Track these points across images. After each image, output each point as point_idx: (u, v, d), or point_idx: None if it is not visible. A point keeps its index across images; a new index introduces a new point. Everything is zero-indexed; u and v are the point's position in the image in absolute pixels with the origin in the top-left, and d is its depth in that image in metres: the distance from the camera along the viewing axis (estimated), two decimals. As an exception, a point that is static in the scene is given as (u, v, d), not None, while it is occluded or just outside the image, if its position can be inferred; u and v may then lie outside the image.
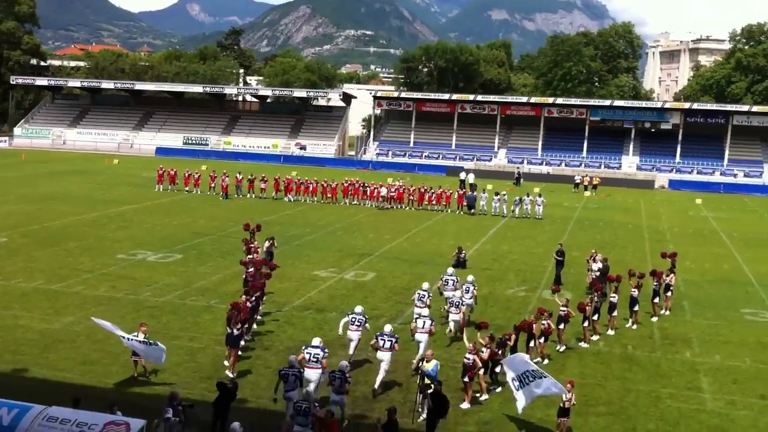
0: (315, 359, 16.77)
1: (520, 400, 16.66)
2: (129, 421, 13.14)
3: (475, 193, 51.01)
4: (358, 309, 19.69)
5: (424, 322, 19.67)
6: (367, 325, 19.51)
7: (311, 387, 16.47)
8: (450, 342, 21.68)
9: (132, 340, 17.69)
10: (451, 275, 24.15)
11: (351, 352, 19.35)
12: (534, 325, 20.08)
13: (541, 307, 21.58)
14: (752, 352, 22.55)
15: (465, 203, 48.92)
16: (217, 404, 15.10)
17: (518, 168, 75.04)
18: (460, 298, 22.44)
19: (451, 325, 21.99)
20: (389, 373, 18.35)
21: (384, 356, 18.08)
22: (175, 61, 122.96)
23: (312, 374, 16.63)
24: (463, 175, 65.64)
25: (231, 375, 18.25)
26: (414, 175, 71.49)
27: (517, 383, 16.87)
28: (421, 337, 19.52)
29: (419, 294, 22.02)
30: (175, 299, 25.06)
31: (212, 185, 51.52)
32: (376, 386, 17.90)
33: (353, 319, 19.38)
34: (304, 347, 17.30)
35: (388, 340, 18.13)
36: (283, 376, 15.90)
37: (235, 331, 18.57)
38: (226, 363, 18.78)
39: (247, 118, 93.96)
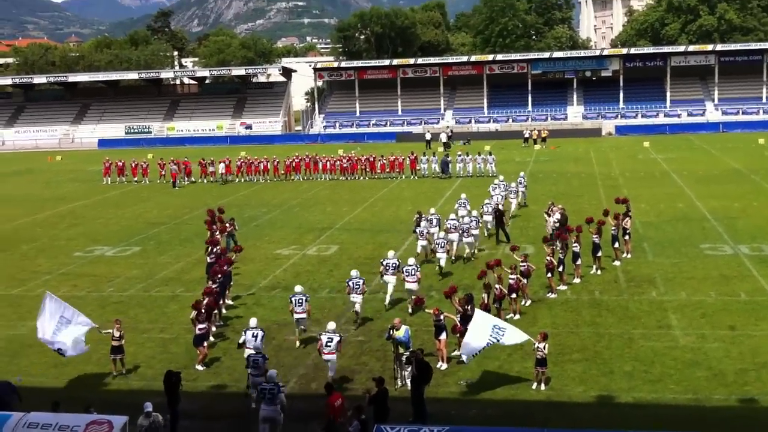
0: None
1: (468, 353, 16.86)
2: (111, 419, 13.01)
3: (448, 156, 50.63)
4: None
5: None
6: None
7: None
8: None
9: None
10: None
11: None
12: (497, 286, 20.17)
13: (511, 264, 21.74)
14: (716, 285, 23.06)
15: (439, 168, 48.60)
16: (166, 391, 14.93)
17: (448, 128, 73.78)
18: (507, 191, 33.56)
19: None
20: (366, 343, 18.62)
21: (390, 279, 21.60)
22: (105, 48, 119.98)
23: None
24: (444, 138, 65.10)
25: (199, 368, 17.98)
26: (364, 145, 71.18)
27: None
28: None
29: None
30: (140, 292, 24.69)
31: (162, 173, 50.49)
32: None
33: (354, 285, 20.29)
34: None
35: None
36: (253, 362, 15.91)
37: (197, 330, 18.09)
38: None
39: (187, 102, 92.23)
